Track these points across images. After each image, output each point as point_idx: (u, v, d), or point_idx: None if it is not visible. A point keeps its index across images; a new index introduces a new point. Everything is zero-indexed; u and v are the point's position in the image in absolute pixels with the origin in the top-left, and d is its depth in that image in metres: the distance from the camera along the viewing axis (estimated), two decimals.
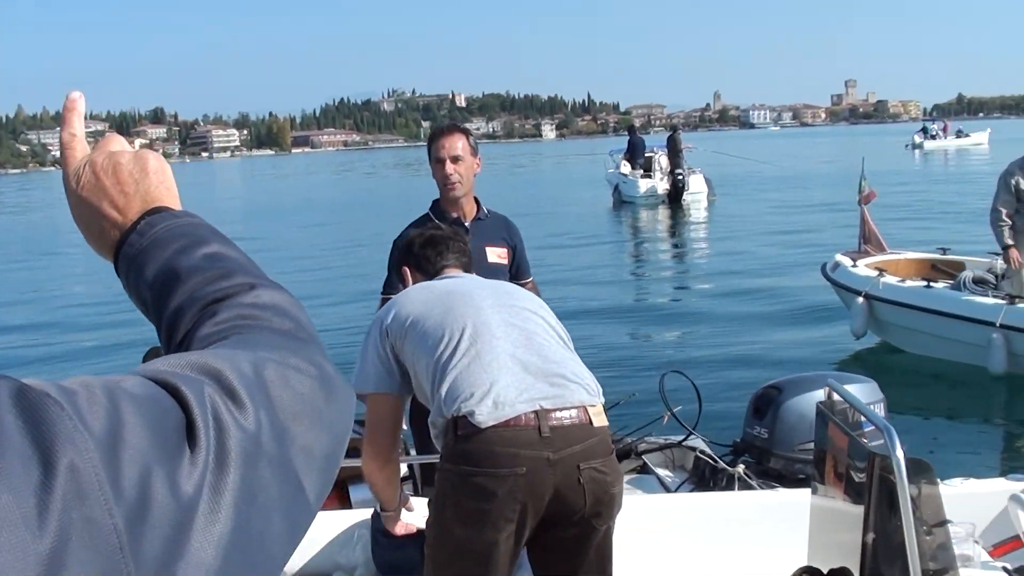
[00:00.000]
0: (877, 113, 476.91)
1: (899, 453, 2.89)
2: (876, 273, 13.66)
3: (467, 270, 4.39)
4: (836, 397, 3.66)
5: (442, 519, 3.65)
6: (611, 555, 3.88)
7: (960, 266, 13.87)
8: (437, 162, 5.96)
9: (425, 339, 3.80)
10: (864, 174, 15.58)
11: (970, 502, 4.88)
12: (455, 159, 5.91)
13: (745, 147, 77.57)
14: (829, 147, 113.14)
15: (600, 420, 3.78)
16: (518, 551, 3.72)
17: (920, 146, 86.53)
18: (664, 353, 14.79)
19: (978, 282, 12.85)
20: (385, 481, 4.10)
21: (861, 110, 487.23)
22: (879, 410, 6.00)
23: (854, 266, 14.19)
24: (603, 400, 3.87)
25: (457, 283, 4.14)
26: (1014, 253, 11.91)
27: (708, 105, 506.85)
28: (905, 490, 2.86)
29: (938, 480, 4.60)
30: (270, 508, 1.02)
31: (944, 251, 14.78)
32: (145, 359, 5.66)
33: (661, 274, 25.05)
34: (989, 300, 12.36)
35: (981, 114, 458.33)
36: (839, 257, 14.71)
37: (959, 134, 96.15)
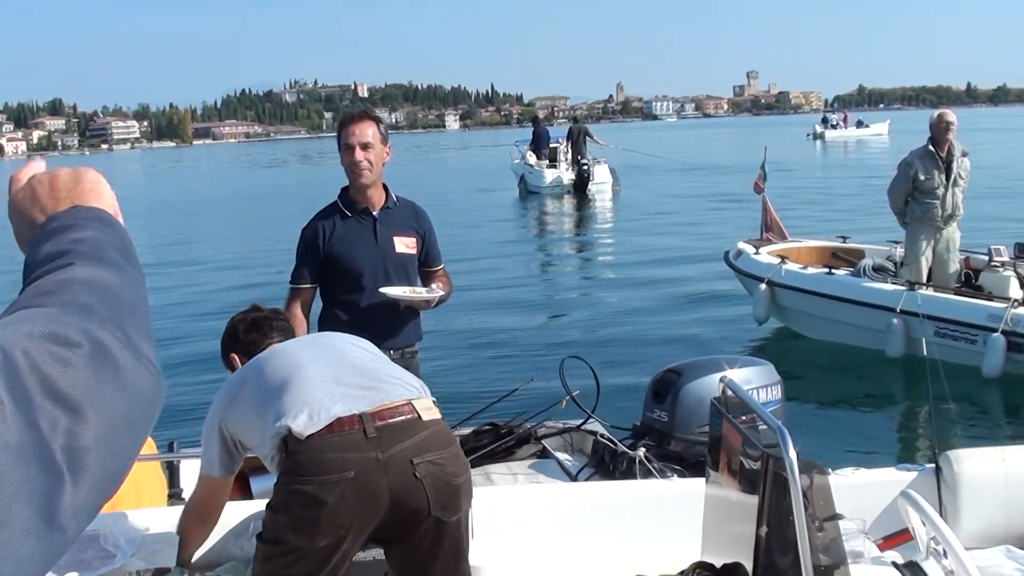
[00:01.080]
0: (779, 104, 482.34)
1: (792, 454, 2.90)
2: (778, 260, 13.88)
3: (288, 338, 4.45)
4: (731, 393, 3.67)
5: (275, 524, 3.67)
6: (467, 545, 3.93)
7: (860, 254, 14.15)
8: (346, 148, 5.83)
9: (253, 403, 3.90)
10: (764, 163, 15.79)
11: (861, 493, 4.97)
12: (365, 146, 5.80)
13: (648, 138, 78.55)
14: (731, 138, 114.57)
15: (430, 414, 3.80)
16: (352, 554, 3.76)
17: (821, 136, 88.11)
18: (566, 339, 14.85)
19: (878, 269, 13.16)
20: (191, 539, 4.31)
21: (763, 101, 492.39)
22: (776, 392, 6.12)
23: (756, 254, 14.42)
24: (433, 398, 3.94)
25: (274, 348, 4.20)
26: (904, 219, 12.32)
27: (611, 97, 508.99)
28: (798, 489, 2.87)
29: (829, 474, 4.61)
30: (10, 497, 0.97)
31: (844, 239, 15.08)
32: None
33: (566, 262, 25.26)
34: (889, 286, 12.65)
35: (881, 105, 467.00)
36: (742, 245, 14.92)
37: (859, 124, 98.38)
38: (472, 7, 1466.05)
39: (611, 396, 8.14)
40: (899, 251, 13.47)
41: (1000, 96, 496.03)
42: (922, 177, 12.19)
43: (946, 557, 4.07)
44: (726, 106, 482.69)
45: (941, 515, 4.64)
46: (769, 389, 5.99)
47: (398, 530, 3.73)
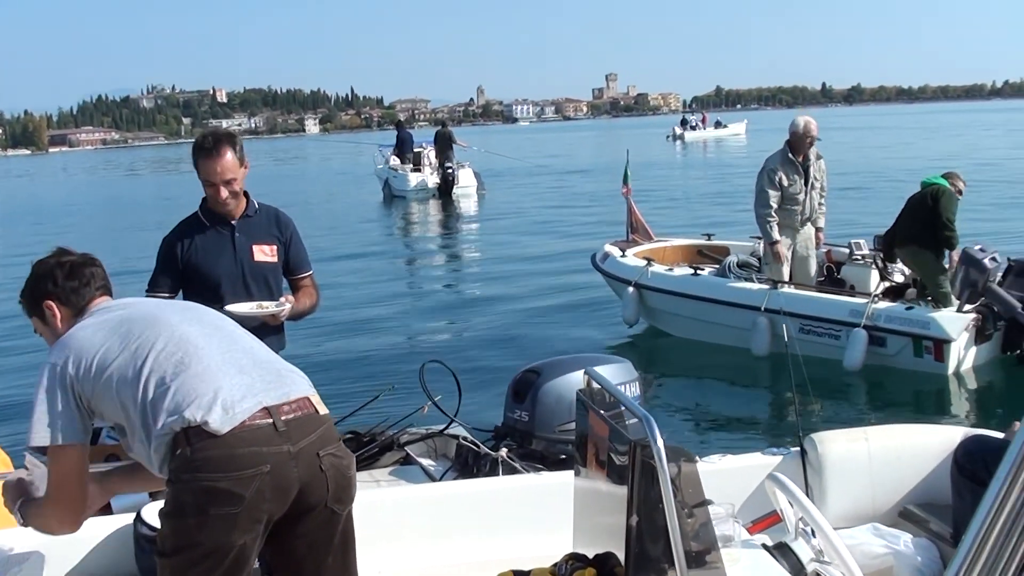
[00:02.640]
0: (638, 106, 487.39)
1: (659, 442, 2.91)
2: (644, 263, 14.08)
3: (110, 293, 4.14)
4: (595, 384, 3.68)
5: (183, 529, 3.49)
6: (355, 539, 3.90)
7: (725, 251, 14.44)
8: (208, 185, 5.74)
9: (124, 375, 3.63)
10: (627, 166, 15.97)
11: (729, 478, 5.09)
12: (227, 182, 5.71)
13: (510, 141, 78.84)
14: (592, 140, 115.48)
15: (323, 408, 3.78)
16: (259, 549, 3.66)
17: (681, 137, 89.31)
18: (429, 344, 14.82)
19: (742, 266, 13.48)
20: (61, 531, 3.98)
21: (622, 103, 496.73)
22: (634, 389, 6.16)
23: (623, 256, 14.57)
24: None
25: (129, 310, 3.94)
26: (780, 248, 12.41)
27: (472, 100, 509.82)
28: (666, 477, 2.89)
29: (697, 461, 4.67)
30: None
31: (709, 237, 15.38)
32: None
33: (430, 267, 25.13)
34: (754, 286, 12.89)
35: (739, 105, 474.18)
36: (608, 247, 15.08)
37: (718, 125, 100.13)
38: (330, 10, 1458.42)
39: (475, 399, 8.15)
40: (762, 246, 13.72)
41: (855, 95, 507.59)
42: (786, 184, 12.44)
43: (815, 536, 4.15)
44: (585, 108, 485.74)
45: (808, 496, 4.74)
46: (628, 386, 6.05)
47: (290, 524, 3.66)
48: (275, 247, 5.95)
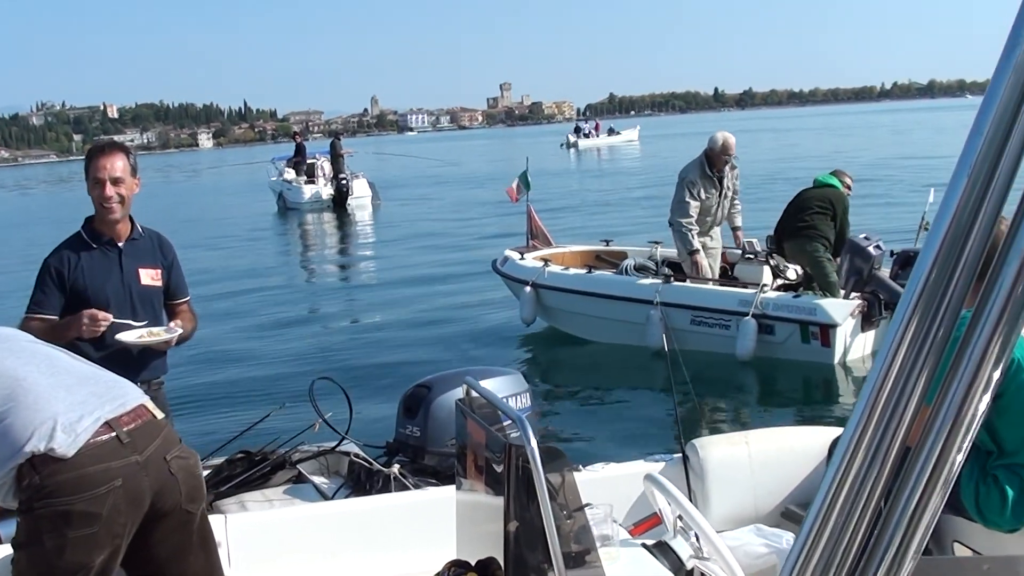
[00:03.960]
0: (532, 115, 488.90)
1: (533, 443, 2.92)
2: (542, 264, 14.29)
3: None
4: (475, 393, 3.70)
5: (40, 556, 3.48)
6: (214, 538, 3.96)
7: (623, 256, 14.62)
8: (96, 183, 5.65)
9: None
10: (527, 172, 16.07)
11: (611, 486, 5.11)
12: (115, 181, 5.63)
13: (405, 151, 78.49)
14: (487, 149, 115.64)
15: (159, 412, 3.82)
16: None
17: (575, 145, 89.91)
18: (322, 360, 14.61)
19: (639, 269, 13.72)
20: None
21: (517, 112, 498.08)
22: (524, 400, 6.14)
23: (522, 259, 14.70)
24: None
25: None
26: (700, 259, 12.62)
27: (366, 110, 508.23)
28: (542, 478, 2.90)
29: (576, 466, 4.74)
30: None
31: (608, 242, 15.50)
32: None
33: (325, 279, 24.91)
34: (647, 280, 13.17)
35: (632, 112, 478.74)
36: (508, 252, 15.22)
37: (611, 132, 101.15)
38: (221, 23, 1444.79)
39: (368, 414, 8.16)
40: (660, 251, 14.12)
41: (746, 100, 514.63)
42: (704, 197, 12.70)
43: (695, 536, 4.24)
44: (480, 118, 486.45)
45: (691, 501, 4.83)
46: (517, 398, 6.09)
47: (148, 531, 3.67)
48: (159, 271, 5.90)
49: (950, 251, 1.07)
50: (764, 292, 12.25)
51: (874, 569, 1.15)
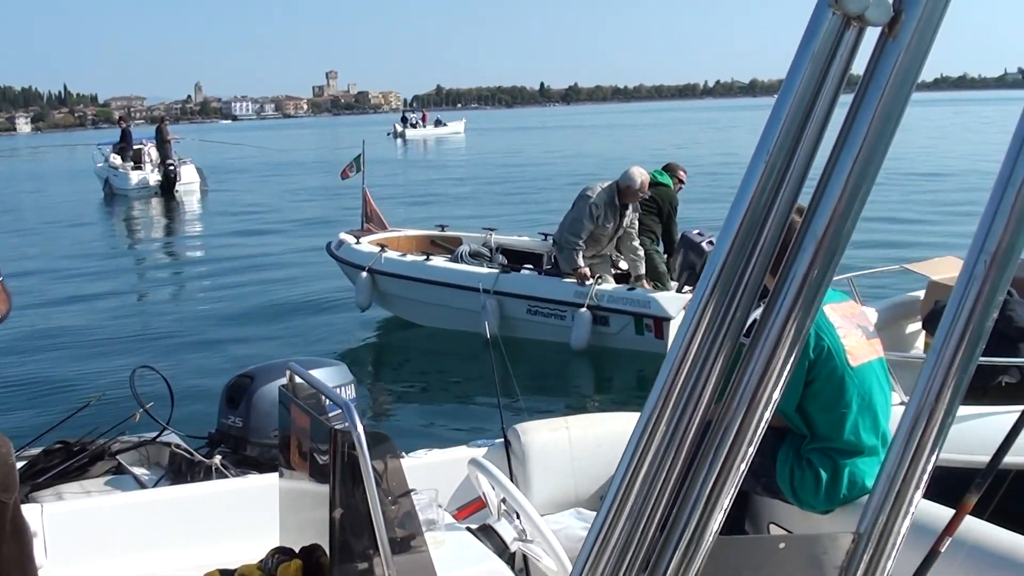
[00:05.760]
0: (359, 104, 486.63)
1: (359, 428, 2.94)
2: (378, 249, 14.23)
3: None
4: (299, 380, 3.69)
5: None
6: (27, 527, 3.90)
7: (458, 241, 14.71)
8: None
9: None
10: (362, 155, 16.01)
11: (436, 470, 5.17)
12: None
13: (231, 139, 77.53)
14: (314, 137, 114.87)
15: None
16: None
17: (402, 135, 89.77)
18: (146, 349, 14.22)
19: (474, 255, 13.81)
20: None
21: (343, 101, 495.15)
22: (348, 392, 6.13)
23: (358, 243, 14.66)
24: None
25: None
26: (586, 272, 12.55)
27: (189, 97, 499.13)
28: (367, 463, 2.91)
29: (400, 452, 4.76)
30: None
31: (442, 228, 15.54)
32: None
33: (150, 267, 24.36)
34: (483, 269, 13.31)
35: (459, 104, 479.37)
36: (343, 236, 15.14)
37: (438, 123, 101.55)
38: (40, 3, 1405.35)
39: (191, 405, 8.06)
40: (494, 237, 14.29)
41: (572, 95, 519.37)
42: (601, 223, 12.49)
43: (518, 518, 4.31)
44: (306, 106, 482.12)
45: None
46: (343, 389, 6.08)
47: None
48: None
49: (745, 239, 1.12)
50: (599, 284, 12.41)
51: (671, 550, 1.20)
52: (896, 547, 1.26)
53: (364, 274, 14.07)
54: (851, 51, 1.10)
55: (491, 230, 14.72)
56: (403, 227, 16.35)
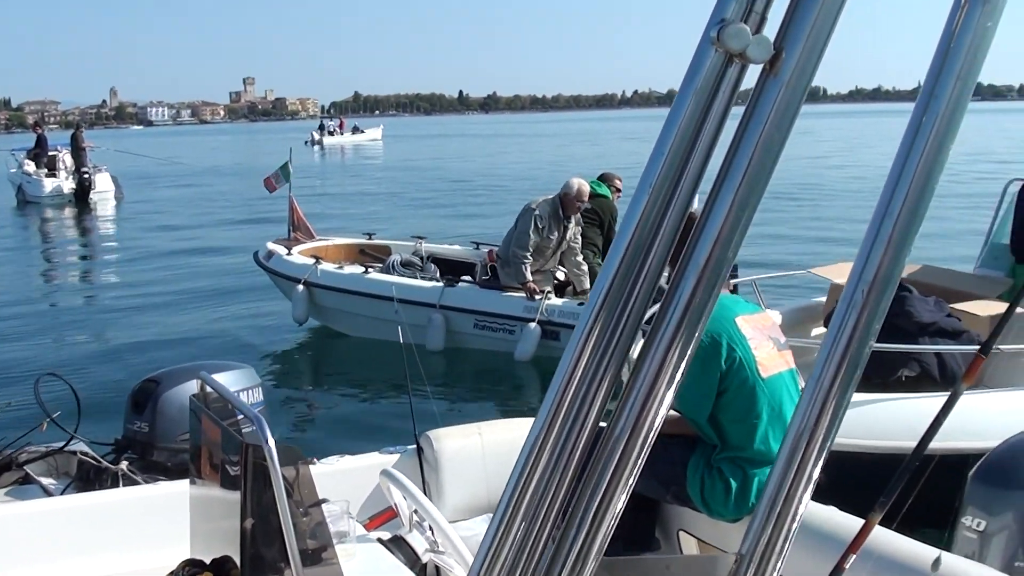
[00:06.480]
0: (276, 110, 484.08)
1: (270, 442, 2.93)
2: (313, 260, 14.01)
3: None
4: (209, 389, 3.67)
5: None
6: None
7: (386, 250, 14.64)
8: None
9: None
10: (289, 164, 15.87)
11: (348, 478, 5.16)
12: None
13: (147, 145, 76.74)
14: (231, 144, 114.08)
15: None
16: None
17: (320, 142, 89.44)
18: (55, 358, 13.94)
19: (406, 264, 13.71)
20: None
21: (260, 107, 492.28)
22: (256, 395, 6.17)
23: (289, 254, 14.48)
24: None
25: None
26: (534, 287, 12.51)
27: (104, 102, 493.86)
28: (278, 476, 2.91)
29: (312, 459, 4.76)
30: None
31: (370, 236, 15.45)
32: None
33: (65, 275, 24.10)
34: (427, 283, 13.23)
35: (377, 111, 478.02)
36: (271, 245, 14.96)
37: (355, 130, 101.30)
38: None
39: (99, 412, 7.95)
40: (424, 246, 14.25)
41: (491, 104, 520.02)
42: (546, 235, 12.48)
43: (431, 529, 4.32)
44: (223, 112, 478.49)
45: (425, 492, 4.92)
46: (249, 392, 6.07)
47: None
48: None
49: (639, 245, 1.16)
50: (548, 299, 12.36)
51: (560, 564, 1.22)
52: (778, 569, 1.28)
53: (300, 287, 13.84)
54: (734, 86, 1.14)
55: (420, 238, 14.65)
56: (330, 235, 16.25)
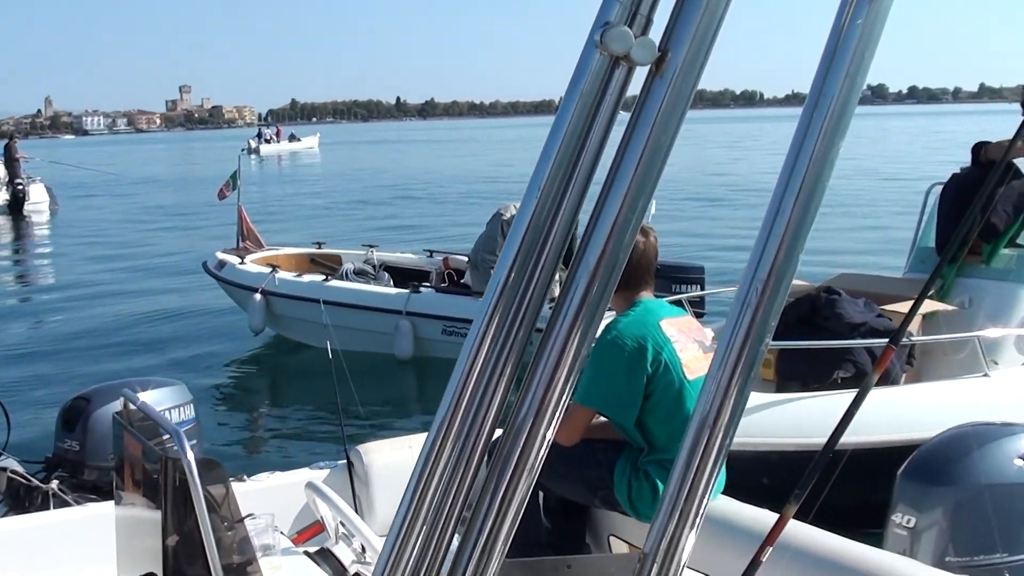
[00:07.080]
0: (213, 119, 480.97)
1: (190, 456, 2.92)
2: (269, 269, 13.85)
3: None
4: (133, 407, 3.64)
5: None
6: None
7: (337, 259, 14.54)
8: None
9: None
10: (237, 172, 15.77)
11: (278, 494, 5.14)
12: None
13: (83, 155, 76.24)
14: (167, 153, 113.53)
15: None
16: None
17: (256, 151, 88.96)
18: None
19: (359, 273, 13.67)
20: None
21: (197, 116, 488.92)
22: (187, 412, 6.13)
23: (243, 263, 14.31)
24: None
25: None
26: None
27: (39, 111, 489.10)
28: (199, 490, 2.89)
29: (242, 475, 4.72)
30: None
31: (320, 245, 15.38)
32: None
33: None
34: (393, 290, 13.15)
35: (314, 119, 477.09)
36: (222, 255, 14.79)
37: (292, 138, 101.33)
38: None
39: (32, 428, 7.86)
40: (376, 254, 14.25)
41: (428, 110, 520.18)
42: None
43: (359, 542, 4.30)
44: (159, 121, 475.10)
45: (355, 507, 4.90)
46: (181, 409, 6.04)
47: None
48: None
49: (529, 249, 1.17)
50: None
51: (463, 567, 1.21)
52: (682, 565, 1.28)
53: (258, 296, 13.69)
54: (621, 88, 1.15)
55: (372, 246, 14.59)
56: (279, 245, 16.17)
